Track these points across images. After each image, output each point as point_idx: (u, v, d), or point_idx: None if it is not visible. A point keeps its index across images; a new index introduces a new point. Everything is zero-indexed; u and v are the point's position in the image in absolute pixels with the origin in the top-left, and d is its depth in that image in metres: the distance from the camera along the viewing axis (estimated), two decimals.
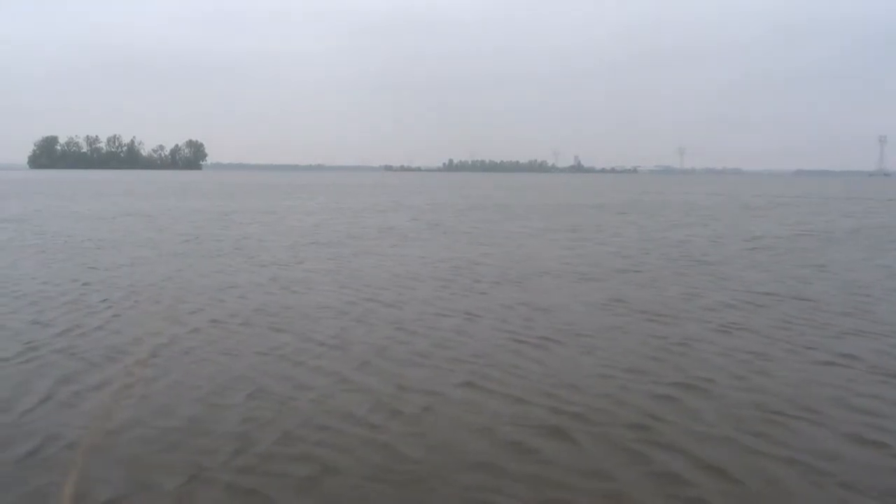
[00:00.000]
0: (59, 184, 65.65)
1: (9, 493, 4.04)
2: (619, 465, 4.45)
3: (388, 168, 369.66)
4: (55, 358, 6.58)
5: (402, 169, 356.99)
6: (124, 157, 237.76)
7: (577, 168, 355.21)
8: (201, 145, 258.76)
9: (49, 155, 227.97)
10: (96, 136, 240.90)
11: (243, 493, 4.08)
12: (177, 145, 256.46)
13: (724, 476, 4.30)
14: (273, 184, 76.62)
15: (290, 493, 4.09)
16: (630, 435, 4.90)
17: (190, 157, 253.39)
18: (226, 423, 5.05)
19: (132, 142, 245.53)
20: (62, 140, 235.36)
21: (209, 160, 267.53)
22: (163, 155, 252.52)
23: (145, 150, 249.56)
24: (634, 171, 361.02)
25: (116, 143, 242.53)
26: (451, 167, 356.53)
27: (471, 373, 6.23)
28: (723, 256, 14.81)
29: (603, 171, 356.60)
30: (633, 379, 6.12)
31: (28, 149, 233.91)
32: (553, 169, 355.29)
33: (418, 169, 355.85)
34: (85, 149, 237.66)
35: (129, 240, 17.02)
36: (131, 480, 4.19)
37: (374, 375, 6.16)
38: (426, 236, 18.90)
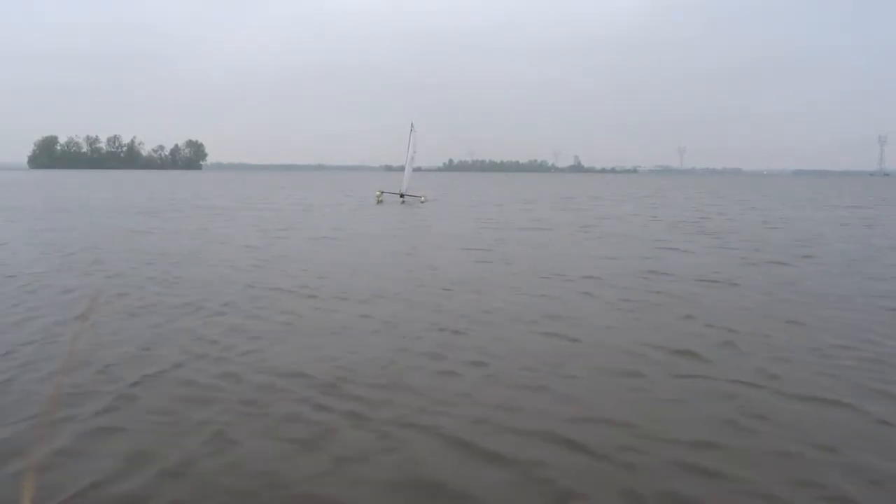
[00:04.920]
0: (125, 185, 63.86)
1: None
2: None
3: (388, 168, 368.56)
4: None
5: (403, 169, 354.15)
6: (124, 157, 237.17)
7: (577, 168, 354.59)
8: (201, 145, 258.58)
9: (49, 155, 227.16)
10: (96, 137, 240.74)
11: None
12: (176, 145, 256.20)
13: None
14: (296, 183, 76.33)
15: None
16: None
17: (190, 157, 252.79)
18: None
19: (132, 142, 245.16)
20: (62, 140, 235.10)
21: (209, 160, 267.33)
22: (163, 155, 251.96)
23: (145, 150, 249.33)
24: (634, 171, 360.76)
25: (116, 144, 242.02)
26: (450, 167, 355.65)
27: None
28: None
29: (603, 170, 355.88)
30: None
31: (28, 149, 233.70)
32: (553, 169, 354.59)
33: (419, 169, 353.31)
34: (85, 149, 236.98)
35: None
36: None
37: None
38: None
